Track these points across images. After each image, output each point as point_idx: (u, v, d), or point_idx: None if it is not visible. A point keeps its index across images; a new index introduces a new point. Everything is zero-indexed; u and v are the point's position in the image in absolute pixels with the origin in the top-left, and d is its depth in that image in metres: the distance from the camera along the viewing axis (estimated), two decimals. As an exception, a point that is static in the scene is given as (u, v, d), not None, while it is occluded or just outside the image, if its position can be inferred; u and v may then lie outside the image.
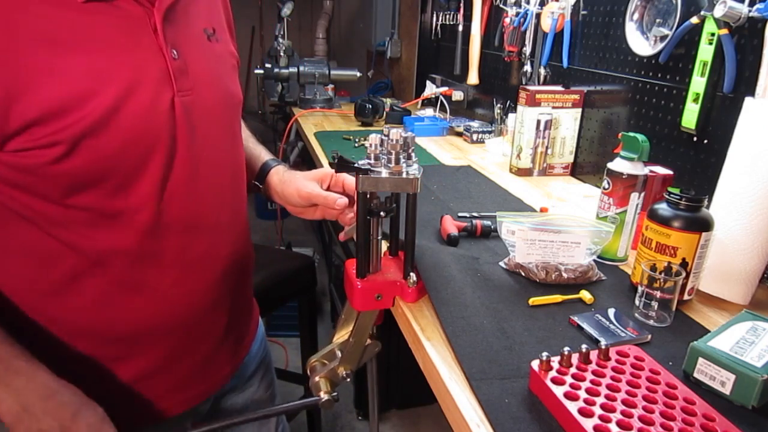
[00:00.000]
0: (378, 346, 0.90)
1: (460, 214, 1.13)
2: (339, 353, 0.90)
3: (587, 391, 0.59)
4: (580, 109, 1.49)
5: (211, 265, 0.81)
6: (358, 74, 2.62)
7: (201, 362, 0.85)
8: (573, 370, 0.62)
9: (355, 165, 0.74)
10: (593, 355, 0.64)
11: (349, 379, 0.88)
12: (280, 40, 2.55)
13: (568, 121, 1.49)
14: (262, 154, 1.01)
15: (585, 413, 0.56)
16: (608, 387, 0.60)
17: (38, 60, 0.59)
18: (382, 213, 0.78)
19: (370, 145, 0.74)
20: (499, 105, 1.93)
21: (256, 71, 2.54)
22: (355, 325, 0.85)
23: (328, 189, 0.93)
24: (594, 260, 0.91)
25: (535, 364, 0.63)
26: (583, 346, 0.64)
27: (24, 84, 0.59)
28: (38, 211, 0.67)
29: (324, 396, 0.86)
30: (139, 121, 0.67)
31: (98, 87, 0.63)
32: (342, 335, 0.91)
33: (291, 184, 0.93)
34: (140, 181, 0.69)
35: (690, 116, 1.09)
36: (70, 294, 0.71)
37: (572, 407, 0.56)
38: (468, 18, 2.09)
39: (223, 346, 0.88)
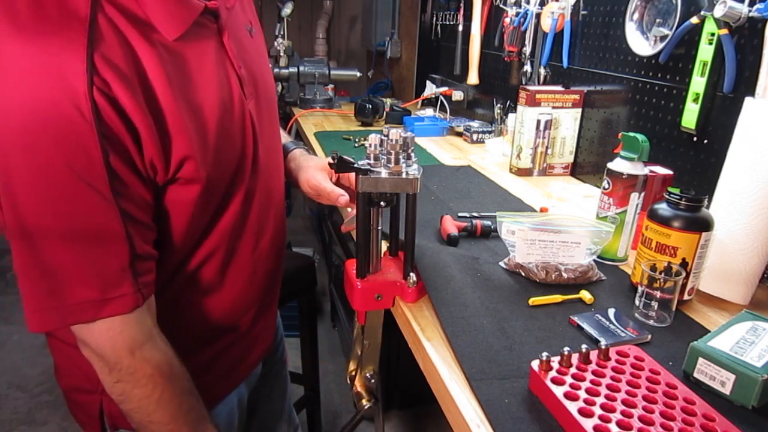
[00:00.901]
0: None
1: (460, 214, 1.13)
2: (359, 352, 0.90)
3: (587, 391, 0.59)
4: (580, 109, 1.48)
5: (270, 256, 0.86)
6: (358, 74, 2.62)
7: (260, 329, 0.91)
8: (573, 370, 0.62)
9: (355, 165, 0.74)
10: (593, 355, 0.64)
11: (373, 380, 0.89)
12: (280, 40, 2.55)
13: (568, 121, 1.49)
14: (282, 137, 1.02)
15: (585, 413, 0.56)
16: (608, 387, 0.60)
17: (168, 103, 0.61)
18: (382, 203, 0.78)
19: (370, 145, 0.74)
20: (499, 105, 1.93)
21: (257, 71, 2.53)
22: (365, 326, 0.85)
23: (337, 180, 0.94)
24: (594, 260, 0.91)
25: (535, 364, 0.63)
26: (583, 346, 0.64)
27: (168, 129, 0.61)
28: (166, 238, 0.69)
29: (366, 404, 0.89)
30: (236, 137, 0.70)
31: (206, 116, 0.65)
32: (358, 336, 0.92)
33: (303, 172, 0.95)
34: (236, 193, 0.73)
35: (690, 116, 1.09)
36: (175, 301, 0.75)
37: (572, 407, 0.56)
38: (468, 18, 2.09)
39: (271, 319, 0.96)
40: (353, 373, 0.91)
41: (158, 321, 0.70)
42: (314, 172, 0.93)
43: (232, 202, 0.73)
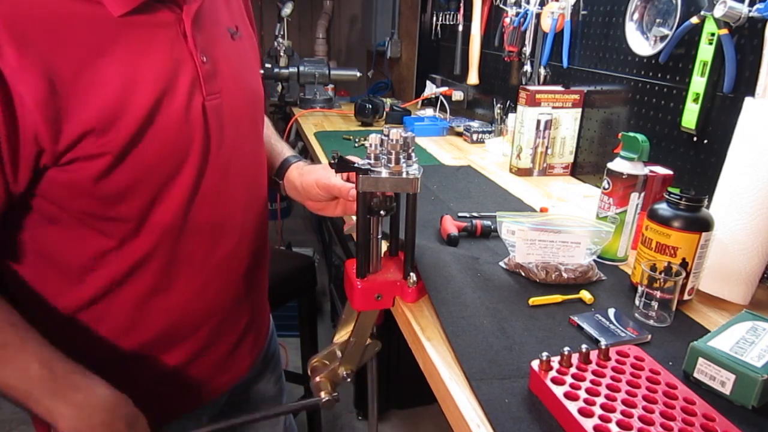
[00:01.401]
0: (378, 345, 0.90)
1: (460, 214, 1.13)
2: (339, 353, 0.90)
3: (587, 391, 0.59)
4: (580, 109, 1.48)
5: (237, 264, 0.83)
6: (358, 74, 2.62)
7: (225, 354, 0.87)
8: (573, 370, 0.62)
9: (355, 165, 0.74)
10: (593, 355, 0.64)
11: (349, 380, 0.88)
12: (280, 40, 2.55)
13: (568, 121, 1.49)
14: (284, 151, 1.01)
15: (585, 413, 0.56)
16: (608, 387, 0.60)
17: (82, 74, 0.60)
18: (382, 212, 0.78)
19: (370, 145, 0.74)
20: (499, 105, 1.93)
21: (256, 71, 2.53)
22: (356, 325, 0.84)
23: (347, 179, 0.93)
24: (594, 260, 0.91)
25: (535, 364, 0.63)
26: (583, 346, 0.64)
27: (72, 100, 0.60)
28: (81, 223, 0.67)
29: (325, 396, 0.87)
30: (174, 128, 0.68)
31: (135, 97, 0.64)
32: (342, 335, 0.91)
33: (310, 175, 0.93)
34: (174, 188, 0.70)
35: (690, 116, 1.09)
36: (108, 300, 0.73)
37: (572, 407, 0.56)
38: (468, 18, 2.09)
39: (245, 338, 0.91)
40: (316, 366, 0.90)
41: (95, 317, 0.69)
42: (324, 172, 0.91)
43: (169, 199, 0.70)
